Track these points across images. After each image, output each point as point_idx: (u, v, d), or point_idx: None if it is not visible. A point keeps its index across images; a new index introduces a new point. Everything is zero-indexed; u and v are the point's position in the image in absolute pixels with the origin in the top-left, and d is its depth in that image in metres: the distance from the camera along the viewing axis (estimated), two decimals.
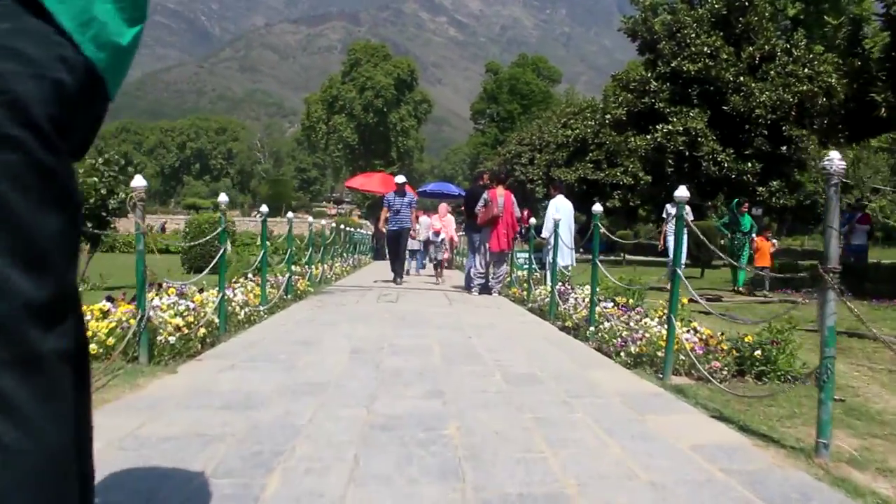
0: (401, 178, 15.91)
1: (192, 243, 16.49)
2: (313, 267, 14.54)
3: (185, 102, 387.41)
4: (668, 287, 13.15)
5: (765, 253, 15.17)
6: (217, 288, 7.30)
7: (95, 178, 10.00)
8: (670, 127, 26.91)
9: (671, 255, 14.51)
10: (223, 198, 7.40)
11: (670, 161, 27.50)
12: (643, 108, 28.71)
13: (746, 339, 5.45)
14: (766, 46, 28.03)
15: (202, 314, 6.54)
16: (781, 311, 11.02)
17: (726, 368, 5.34)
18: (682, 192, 6.35)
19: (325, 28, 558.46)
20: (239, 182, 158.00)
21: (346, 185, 46.72)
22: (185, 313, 6.24)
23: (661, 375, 5.30)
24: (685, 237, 14.25)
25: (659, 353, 5.53)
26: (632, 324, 6.53)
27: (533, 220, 13.51)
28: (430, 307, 10.31)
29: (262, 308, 8.47)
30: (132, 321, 5.27)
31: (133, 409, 3.92)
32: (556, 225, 10.71)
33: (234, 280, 10.73)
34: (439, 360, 5.71)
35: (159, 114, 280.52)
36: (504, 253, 12.99)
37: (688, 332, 5.84)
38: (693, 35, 27.69)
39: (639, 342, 5.79)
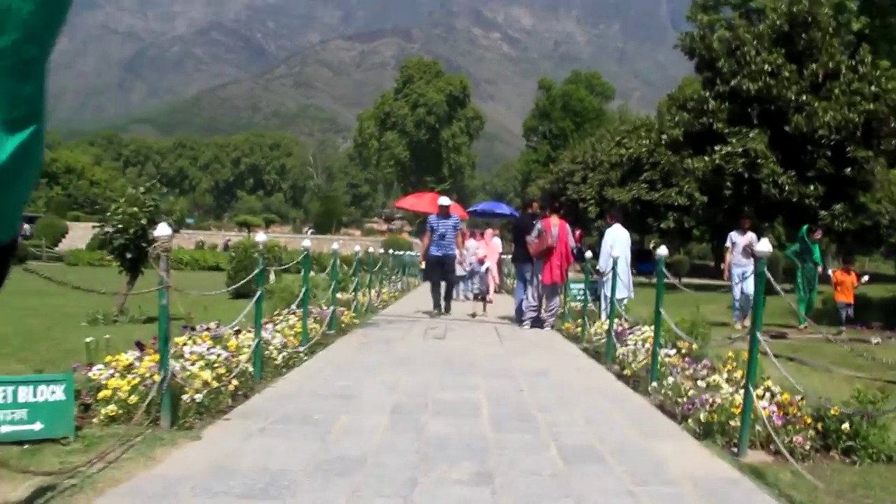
0: (445, 201, 14.54)
1: (236, 269, 16.30)
2: (359, 294, 14.17)
3: (240, 118, 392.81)
4: (735, 324, 12.44)
5: (847, 287, 13.64)
6: (255, 328, 6.89)
7: (136, 209, 9.72)
8: (729, 148, 26.09)
9: (736, 291, 13.85)
10: (261, 237, 7.01)
11: (729, 183, 26.68)
12: (701, 128, 27.93)
13: (832, 413, 4.84)
14: (830, 63, 27.11)
15: (235, 363, 6.13)
16: (853, 353, 10.33)
17: (809, 442, 4.75)
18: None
19: (379, 44, 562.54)
20: (291, 197, 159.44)
21: (396, 205, 46.50)
22: (217, 364, 5.84)
23: (734, 449, 4.74)
24: (751, 277, 13.63)
25: (732, 423, 4.97)
26: (699, 381, 5.96)
27: (585, 243, 12.99)
28: (479, 345, 9.81)
29: (301, 349, 8.06)
30: (156, 377, 4.86)
31: (142, 495, 3.50)
32: (614, 260, 10.13)
33: (275, 313, 10.40)
34: (488, 424, 5.21)
35: (215, 129, 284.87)
36: (557, 285, 12.45)
37: (764, 395, 5.27)
38: (753, 52, 26.89)
39: (708, 408, 5.22)
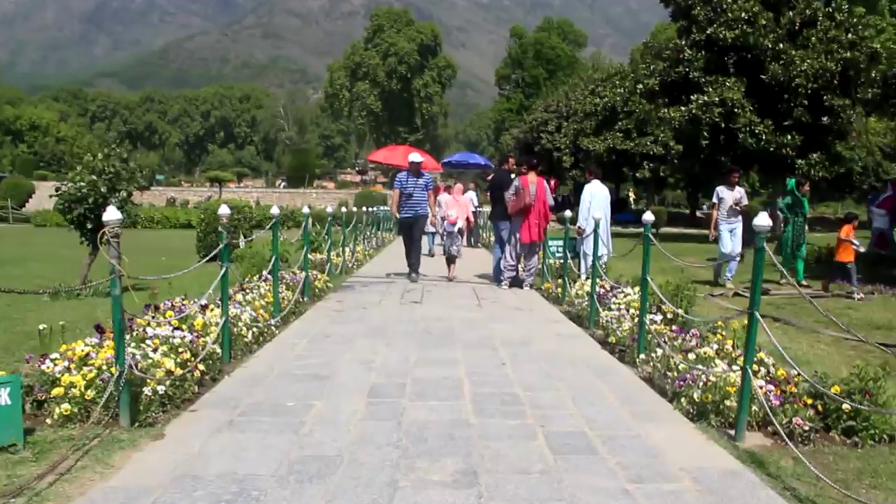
0: (416, 157, 13.36)
1: (206, 231, 15.89)
2: (333, 254, 13.82)
3: (208, 71, 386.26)
4: (727, 284, 12.19)
5: (848, 246, 13.05)
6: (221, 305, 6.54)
7: (94, 177, 9.25)
8: (706, 98, 25.71)
9: (722, 248, 13.54)
10: (224, 210, 6.59)
11: (705, 133, 26.36)
12: (676, 77, 27.52)
13: (833, 390, 4.59)
14: (807, 11, 26.70)
15: (202, 344, 5.80)
16: (838, 310, 10.16)
17: (809, 423, 4.51)
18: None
19: None
20: (263, 150, 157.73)
21: (369, 158, 45.89)
22: (181, 348, 5.50)
23: (731, 432, 4.50)
24: (739, 230, 13.33)
25: (727, 402, 4.72)
26: (689, 354, 5.71)
27: (560, 193, 12.70)
28: (458, 310, 9.52)
29: (273, 321, 7.72)
30: (114, 370, 4.51)
31: None
32: (595, 221, 9.84)
33: (245, 280, 10.04)
34: (470, 407, 4.93)
35: (183, 82, 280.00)
36: (535, 244, 12.15)
37: (759, 371, 5.02)
38: (730, 0, 26.40)
39: (702, 387, 4.96)
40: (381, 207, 27.81)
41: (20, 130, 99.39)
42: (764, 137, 25.69)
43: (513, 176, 12.51)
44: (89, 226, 9.33)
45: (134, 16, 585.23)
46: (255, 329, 7.08)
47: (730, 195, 13.36)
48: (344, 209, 17.84)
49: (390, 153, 33.43)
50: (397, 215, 13.49)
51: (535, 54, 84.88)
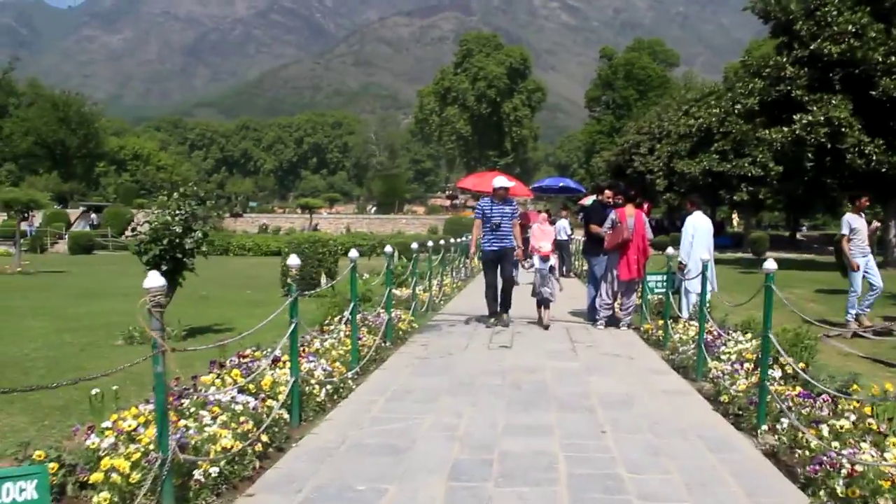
0: (502, 181, 11.64)
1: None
2: (419, 289, 13.28)
3: (302, 98, 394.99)
4: (861, 320, 11.10)
5: None
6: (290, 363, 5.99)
7: (168, 218, 8.91)
8: (810, 117, 24.31)
9: (854, 287, 12.25)
10: (293, 261, 6.08)
11: (810, 155, 24.97)
12: (777, 96, 26.17)
13: None
14: None
15: (266, 409, 5.25)
16: None
17: None
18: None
19: (438, 19, 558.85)
20: (355, 175, 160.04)
21: (458, 185, 45.49)
22: (244, 416, 4.96)
23: None
24: (873, 261, 12.11)
25: (880, 501, 3.89)
26: (823, 428, 4.88)
27: (653, 217, 11.84)
28: (551, 358, 8.77)
29: (350, 374, 7.15)
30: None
31: None
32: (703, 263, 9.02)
33: (325, 322, 9.56)
34: (567, 496, 4.22)
35: (278, 110, 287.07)
36: (634, 281, 11.36)
37: None
38: (835, 12, 24.98)
39: (846, 477, 4.14)
40: (469, 235, 27.15)
41: (123, 159, 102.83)
42: (875, 158, 24.15)
43: (607, 210, 11.80)
44: (164, 267, 8.98)
45: (231, 47, 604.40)
46: (329, 386, 6.51)
47: (862, 223, 12.17)
48: (431, 239, 17.33)
49: (479, 179, 32.75)
50: (473, 249, 12.38)
51: (626, 75, 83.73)
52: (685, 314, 11.28)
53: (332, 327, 9.30)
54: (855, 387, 5.71)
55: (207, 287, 18.23)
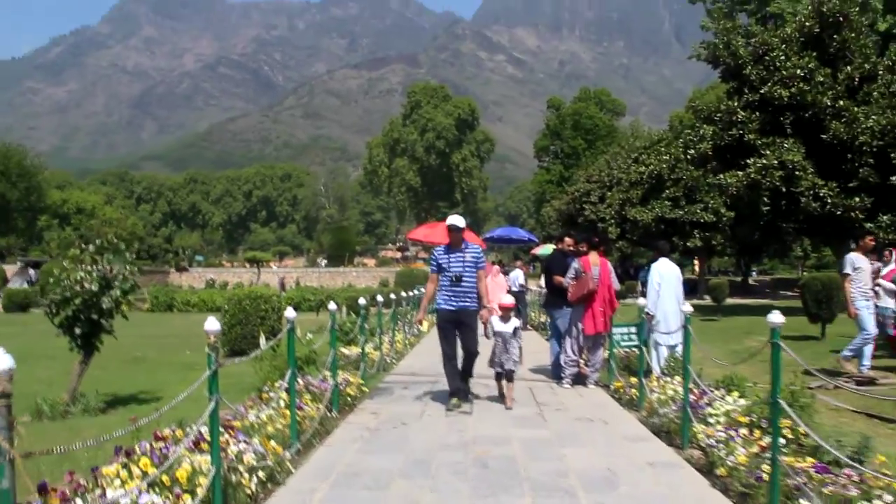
0: (457, 220, 9.07)
1: (230, 324, 14.51)
2: (369, 347, 12.31)
3: (250, 151, 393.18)
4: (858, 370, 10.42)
5: None
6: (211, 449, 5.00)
7: (81, 273, 7.88)
8: (765, 161, 24.09)
9: (865, 328, 11.57)
10: (212, 326, 5.12)
11: (765, 199, 24.70)
12: (730, 140, 25.97)
13: None
14: (866, 65, 25.15)
15: None
16: None
17: None
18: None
19: (386, 71, 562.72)
20: (305, 228, 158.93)
21: (409, 237, 44.61)
22: None
23: None
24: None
25: None
26: None
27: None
28: (518, 426, 7.84)
29: (288, 454, 6.15)
30: None
31: None
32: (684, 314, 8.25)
33: (264, 389, 8.56)
34: None
35: (227, 163, 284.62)
36: (601, 336, 10.54)
37: None
38: (783, 57, 24.96)
39: None
40: (422, 288, 26.20)
41: (67, 214, 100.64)
42: (829, 200, 23.94)
43: (569, 259, 11.03)
44: (78, 330, 7.94)
45: (179, 100, 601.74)
46: (261, 472, 5.51)
47: (867, 264, 11.53)
48: (382, 293, 16.40)
49: (430, 230, 31.96)
50: (422, 309, 9.90)
51: (574, 125, 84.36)
52: (656, 369, 10.51)
53: (271, 394, 8.32)
54: (881, 458, 4.91)
55: (144, 347, 17.07)
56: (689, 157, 29.41)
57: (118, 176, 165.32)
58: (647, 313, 10.87)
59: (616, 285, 10.67)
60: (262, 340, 11.14)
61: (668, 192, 41.91)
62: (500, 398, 9.32)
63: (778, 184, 24.02)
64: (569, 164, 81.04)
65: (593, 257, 10.54)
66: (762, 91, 25.07)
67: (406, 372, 12.45)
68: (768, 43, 25.37)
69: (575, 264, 10.46)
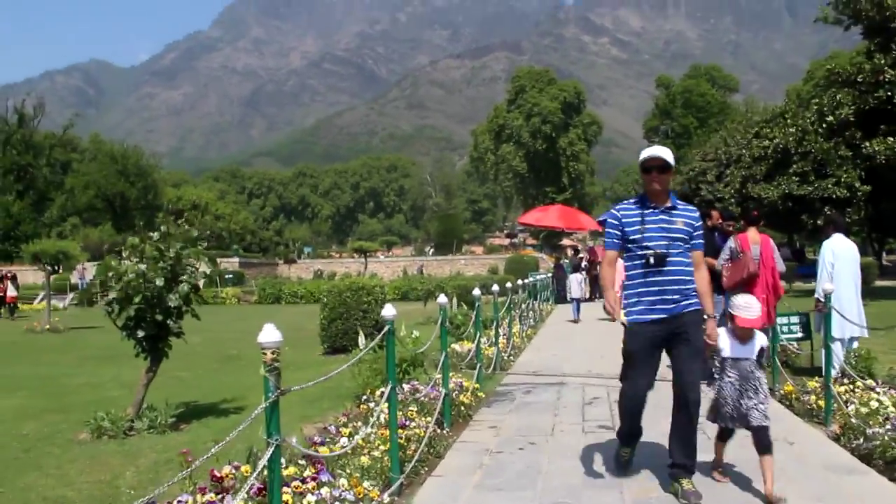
0: (659, 151, 5.08)
1: (330, 318, 13.23)
2: (484, 342, 10.81)
3: (357, 144, 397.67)
4: None
5: None
6: None
7: (144, 266, 6.62)
8: None
9: None
10: (270, 337, 3.64)
11: None
12: (875, 103, 23.32)
13: None
14: None
15: None
16: None
17: None
18: None
19: (489, 59, 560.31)
20: (412, 217, 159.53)
21: (520, 221, 42.95)
22: None
23: None
24: None
25: None
26: None
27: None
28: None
29: (386, 497, 4.66)
30: None
31: None
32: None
33: (364, 397, 7.20)
34: None
35: (334, 157, 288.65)
36: (765, 329, 8.72)
37: None
38: None
39: None
40: (538, 276, 24.54)
41: (182, 210, 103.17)
42: None
43: (719, 237, 9.28)
44: (141, 333, 6.70)
45: (287, 98, 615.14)
46: None
47: None
48: (493, 280, 14.87)
49: (542, 214, 30.47)
50: (621, 318, 5.17)
51: (684, 103, 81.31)
52: (835, 369, 8.67)
53: (371, 404, 6.92)
54: None
55: (242, 343, 16.06)
56: (822, 126, 26.77)
57: (230, 173, 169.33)
58: (818, 300, 9.03)
59: (781, 267, 8.81)
60: (362, 339, 9.78)
61: (795, 167, 38.82)
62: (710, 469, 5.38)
63: None
64: (680, 144, 78.06)
65: (752, 234, 8.72)
66: None
67: (526, 371, 10.87)
68: None
69: (731, 243, 8.67)
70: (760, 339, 5.10)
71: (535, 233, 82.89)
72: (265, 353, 3.28)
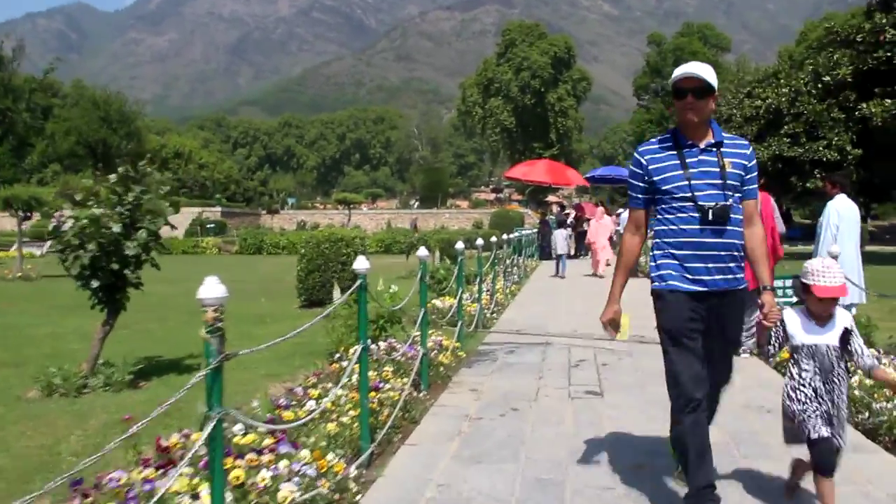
0: (697, 68, 3.84)
1: (307, 270, 12.76)
2: (466, 298, 10.38)
3: (344, 95, 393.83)
4: None
5: None
6: None
7: (99, 210, 6.09)
8: None
9: None
10: (212, 292, 3.14)
11: None
12: (874, 64, 22.80)
13: None
14: None
15: None
16: None
17: None
18: None
19: (479, 12, 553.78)
20: (398, 170, 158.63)
21: (506, 175, 42.37)
22: None
23: None
24: None
25: None
26: None
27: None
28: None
29: (353, 470, 4.20)
30: None
31: None
32: None
33: (335, 356, 6.77)
34: None
35: (321, 107, 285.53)
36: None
37: None
38: None
39: None
40: (524, 231, 24.09)
41: (165, 158, 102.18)
42: None
43: None
44: (96, 283, 6.20)
45: (274, 46, 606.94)
46: (325, 489, 3.62)
47: None
48: (478, 235, 14.38)
49: (529, 168, 30.01)
50: (610, 315, 4.07)
51: (676, 61, 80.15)
52: None
53: (343, 364, 6.47)
54: None
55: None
56: (817, 87, 26.27)
57: (215, 121, 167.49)
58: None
59: (781, 227, 8.35)
60: (337, 292, 9.31)
61: (786, 128, 38.37)
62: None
63: None
64: (670, 103, 77.29)
65: None
66: None
67: (509, 329, 10.46)
68: None
69: None
70: (843, 319, 3.85)
71: (521, 188, 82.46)
72: (205, 311, 2.78)
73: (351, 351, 6.65)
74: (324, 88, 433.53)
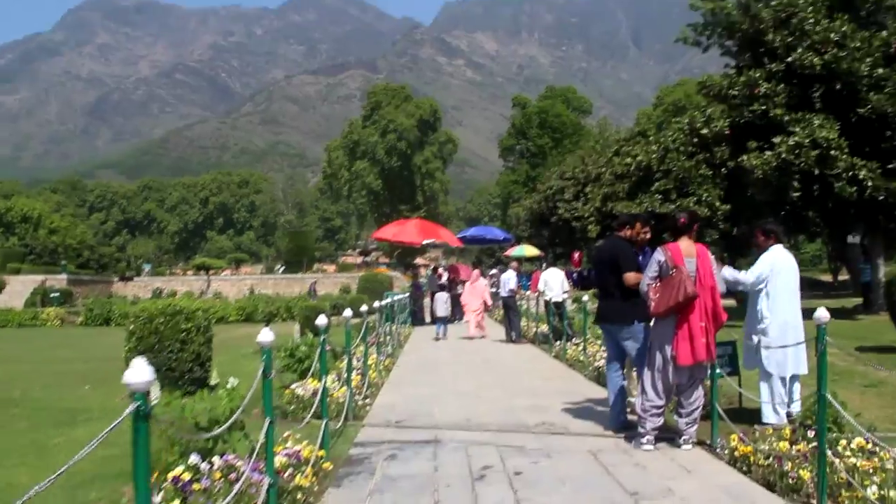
0: None
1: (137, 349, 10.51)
2: (332, 384, 8.40)
3: (208, 158, 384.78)
4: None
5: None
6: None
7: None
8: (797, 139, 20.49)
9: None
10: None
11: (795, 184, 21.16)
12: (750, 117, 22.41)
13: None
14: None
15: None
16: None
17: None
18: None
19: (345, 77, 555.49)
20: (263, 234, 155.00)
21: (375, 236, 40.49)
22: None
23: None
24: None
25: None
26: None
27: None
28: None
29: None
30: None
31: None
32: None
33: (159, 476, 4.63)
34: None
35: (185, 170, 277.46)
36: (703, 367, 6.65)
37: None
38: (811, 20, 21.46)
39: None
40: (395, 296, 22.27)
41: (11, 222, 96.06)
42: (870, 183, 20.39)
43: (635, 249, 7.31)
44: None
45: (135, 107, 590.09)
46: None
47: None
48: (343, 302, 12.42)
49: (399, 228, 28.27)
50: None
51: (540, 123, 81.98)
52: (772, 416, 6.90)
53: (157, 499, 4.38)
54: None
55: (34, 379, 12.99)
56: (694, 141, 26.06)
57: (70, 184, 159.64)
58: (757, 328, 7.15)
59: (721, 287, 6.79)
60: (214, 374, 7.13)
61: (657, 184, 38.39)
62: None
63: (812, 165, 20.46)
64: (535, 164, 78.68)
65: (686, 245, 6.69)
66: (789, 59, 21.55)
67: (387, 420, 8.45)
68: (794, 4, 21.80)
69: (659, 256, 6.60)
70: None
71: (389, 250, 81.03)
72: None
73: (171, 476, 4.64)
74: (187, 151, 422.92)
